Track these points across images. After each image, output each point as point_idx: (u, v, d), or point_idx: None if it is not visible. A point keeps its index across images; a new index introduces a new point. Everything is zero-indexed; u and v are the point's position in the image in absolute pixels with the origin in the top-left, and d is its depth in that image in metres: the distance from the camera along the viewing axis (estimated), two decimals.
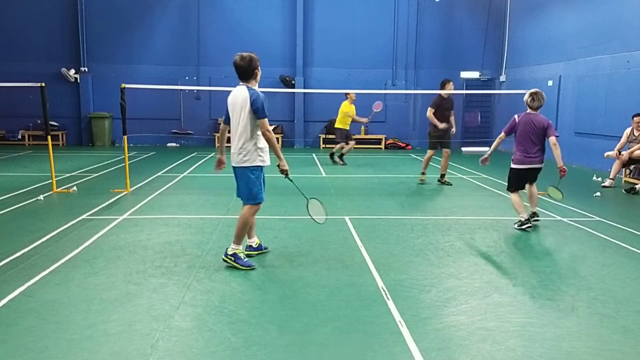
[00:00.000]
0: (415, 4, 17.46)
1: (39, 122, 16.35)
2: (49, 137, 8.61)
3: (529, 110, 6.52)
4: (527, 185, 6.76)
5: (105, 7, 16.90)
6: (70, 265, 4.91)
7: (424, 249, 5.61)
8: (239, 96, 4.80)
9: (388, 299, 4.18)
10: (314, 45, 17.52)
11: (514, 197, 6.65)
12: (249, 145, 4.86)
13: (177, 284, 4.46)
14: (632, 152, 9.61)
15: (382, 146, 17.75)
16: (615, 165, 9.80)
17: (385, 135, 17.82)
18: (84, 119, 17.16)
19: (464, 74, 17.84)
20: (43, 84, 8.48)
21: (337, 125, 12.92)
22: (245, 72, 4.79)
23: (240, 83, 4.87)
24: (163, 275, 4.66)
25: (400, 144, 17.77)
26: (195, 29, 17.20)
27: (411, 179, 10.72)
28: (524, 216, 6.48)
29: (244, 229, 4.95)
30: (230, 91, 5.05)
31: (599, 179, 10.40)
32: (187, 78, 17.23)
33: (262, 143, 4.92)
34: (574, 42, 13.41)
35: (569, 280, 4.66)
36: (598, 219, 7.11)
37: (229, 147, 5.17)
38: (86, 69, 17.02)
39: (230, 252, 4.89)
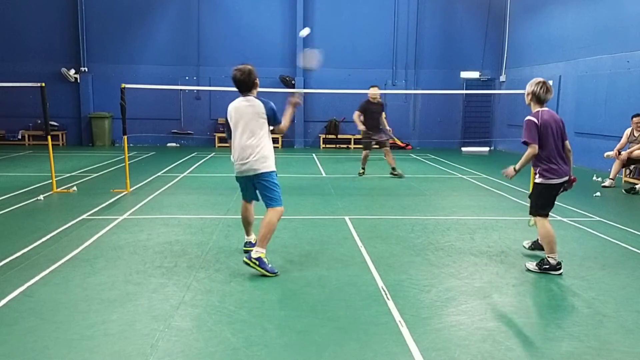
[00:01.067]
0: (415, 4, 17.46)
1: (39, 122, 16.35)
2: (49, 137, 8.61)
3: (544, 107, 4.99)
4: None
5: (105, 7, 16.90)
6: (70, 265, 4.91)
7: (424, 249, 5.61)
8: (247, 108, 5.00)
9: (388, 299, 4.18)
10: (314, 45, 17.47)
11: (548, 225, 5.00)
12: (266, 151, 4.90)
13: (177, 284, 4.46)
14: (631, 152, 9.61)
15: None
16: (615, 166, 9.80)
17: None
18: (84, 119, 17.16)
19: (464, 74, 17.85)
20: (43, 84, 8.48)
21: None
22: (246, 84, 5.09)
23: (243, 96, 5.13)
24: (163, 275, 4.67)
25: (400, 144, 17.76)
26: (195, 29, 17.20)
27: (411, 179, 10.72)
28: (556, 257, 4.91)
29: (271, 233, 4.89)
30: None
31: (599, 179, 10.40)
32: (187, 78, 17.23)
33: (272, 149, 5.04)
34: (574, 42, 13.41)
35: (569, 280, 4.66)
36: (598, 219, 7.11)
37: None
38: (86, 69, 17.02)
39: (255, 256, 4.69)
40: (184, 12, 17.18)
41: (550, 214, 5.18)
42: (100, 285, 4.42)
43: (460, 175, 11.28)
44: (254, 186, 5.01)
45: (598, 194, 8.99)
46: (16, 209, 7.33)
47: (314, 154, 15.43)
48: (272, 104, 5.01)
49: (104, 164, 12.28)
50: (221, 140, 17.13)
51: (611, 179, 9.78)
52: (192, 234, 6.08)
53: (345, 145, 17.70)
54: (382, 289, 4.40)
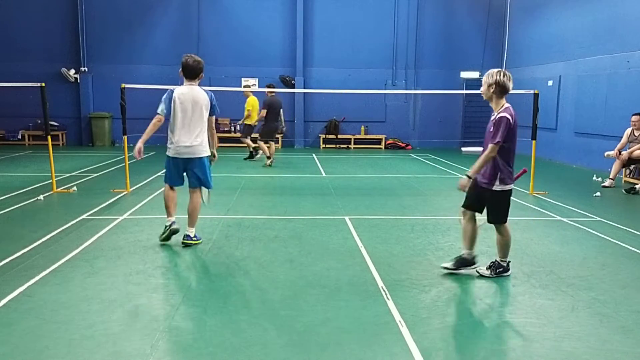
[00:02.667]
0: (415, 4, 17.45)
1: (39, 122, 16.33)
2: (49, 137, 8.61)
3: (505, 102, 4.56)
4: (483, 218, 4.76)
5: (105, 7, 16.89)
6: (70, 265, 4.91)
7: (424, 249, 5.61)
8: (198, 94, 5.53)
9: (388, 299, 4.18)
10: (314, 45, 17.52)
11: (509, 229, 4.73)
12: (206, 138, 5.65)
13: (177, 284, 4.46)
14: (632, 152, 9.61)
15: (382, 146, 17.75)
16: (615, 165, 9.80)
17: (385, 135, 17.82)
18: (84, 119, 17.15)
19: (464, 74, 17.84)
20: (43, 84, 8.48)
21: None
22: (195, 72, 5.54)
23: (191, 82, 5.56)
24: (163, 275, 4.67)
25: (400, 144, 17.76)
26: (195, 29, 17.20)
27: (411, 179, 10.72)
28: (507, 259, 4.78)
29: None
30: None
31: (599, 179, 10.39)
32: None
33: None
34: (574, 42, 13.41)
35: (569, 280, 4.66)
36: (598, 219, 7.11)
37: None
38: (86, 69, 17.02)
39: (193, 235, 5.60)
40: (184, 12, 17.18)
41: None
42: (100, 285, 4.42)
43: (460, 175, 11.26)
44: (185, 170, 5.64)
45: (598, 194, 8.99)
46: (16, 209, 7.33)
47: (314, 154, 15.43)
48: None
49: (104, 164, 12.28)
50: (221, 140, 17.08)
51: (611, 179, 9.78)
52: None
53: (345, 145, 17.69)
54: (382, 289, 4.40)
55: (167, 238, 5.61)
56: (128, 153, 9.40)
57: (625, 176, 10.37)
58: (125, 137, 8.75)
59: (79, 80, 16.98)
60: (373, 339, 3.49)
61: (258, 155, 13.16)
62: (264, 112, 12.25)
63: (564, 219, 7.08)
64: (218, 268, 4.90)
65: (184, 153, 5.56)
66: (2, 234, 6.04)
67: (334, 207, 7.78)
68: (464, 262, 4.75)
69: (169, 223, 5.62)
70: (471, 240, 4.73)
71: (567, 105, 13.72)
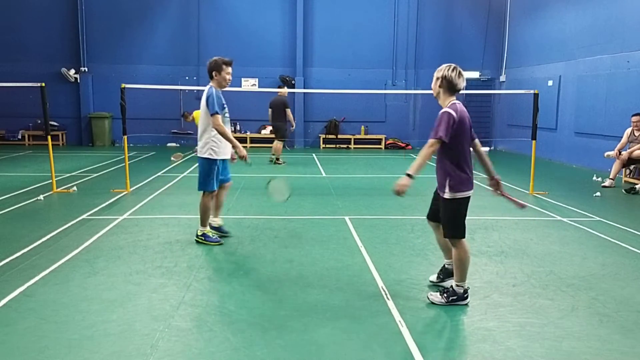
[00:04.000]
0: (415, 4, 17.45)
1: (39, 122, 16.34)
2: (49, 137, 8.61)
3: (455, 100, 4.08)
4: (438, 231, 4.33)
5: (105, 7, 16.90)
6: (70, 265, 4.91)
7: (424, 249, 5.61)
8: (204, 94, 5.70)
9: (388, 299, 4.18)
10: (314, 45, 17.52)
11: (468, 246, 4.14)
12: (205, 138, 5.80)
13: (177, 284, 4.46)
14: (632, 152, 9.61)
15: (382, 146, 17.75)
16: (615, 165, 9.80)
17: (385, 135, 17.82)
18: (84, 119, 17.16)
19: (464, 74, 17.79)
20: (43, 84, 8.48)
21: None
22: (208, 71, 5.73)
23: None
24: (163, 275, 4.67)
25: (400, 144, 17.76)
26: (195, 29, 17.20)
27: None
28: (465, 284, 4.15)
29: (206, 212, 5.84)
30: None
31: (599, 179, 10.39)
32: (187, 78, 17.22)
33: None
34: (574, 42, 13.41)
35: (569, 280, 4.66)
36: (598, 219, 7.11)
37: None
38: (86, 69, 17.02)
39: (200, 233, 5.73)
40: (184, 12, 17.18)
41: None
42: (100, 285, 4.42)
43: None
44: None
45: (598, 194, 8.99)
46: (16, 209, 7.33)
47: (314, 154, 15.43)
48: (213, 91, 5.64)
49: (104, 164, 12.28)
50: None
51: (611, 179, 9.77)
52: (192, 234, 6.08)
53: (345, 145, 17.69)
54: (382, 289, 4.40)
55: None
56: (128, 153, 9.41)
57: (625, 176, 10.37)
58: (125, 137, 8.74)
59: (79, 80, 16.98)
60: (373, 339, 3.49)
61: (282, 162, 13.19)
62: (270, 112, 12.69)
63: (564, 219, 7.08)
64: (218, 268, 4.90)
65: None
66: (2, 234, 6.04)
67: (334, 207, 7.78)
68: (448, 272, 4.46)
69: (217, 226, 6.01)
70: (448, 250, 4.33)
71: (567, 105, 13.72)
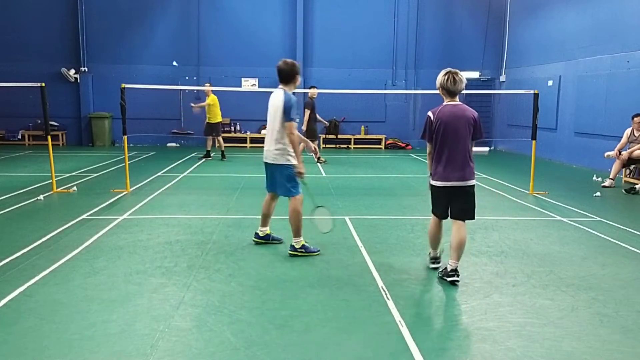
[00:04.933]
0: (415, 4, 17.45)
1: (39, 122, 16.33)
2: (49, 137, 8.61)
3: (454, 100, 4.63)
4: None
5: (105, 7, 16.89)
6: (70, 265, 4.91)
7: (424, 249, 5.60)
8: (274, 98, 5.26)
9: (388, 299, 4.18)
10: (314, 45, 17.52)
11: (432, 224, 4.83)
12: (283, 145, 5.22)
13: (177, 284, 4.46)
14: (632, 152, 9.61)
15: (382, 146, 17.75)
16: (615, 165, 9.80)
17: (385, 135, 17.82)
18: (84, 119, 17.16)
19: (464, 74, 17.72)
20: (43, 84, 8.48)
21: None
22: (286, 75, 5.21)
23: (280, 86, 5.28)
24: (163, 275, 4.67)
25: (400, 144, 17.76)
26: (195, 29, 17.20)
27: (411, 179, 10.72)
28: (435, 253, 4.94)
29: (300, 220, 5.30)
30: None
31: (599, 179, 10.39)
32: (187, 78, 17.22)
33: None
34: (574, 42, 13.41)
35: (569, 280, 4.66)
36: (598, 219, 7.11)
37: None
38: (86, 69, 17.02)
39: (298, 246, 5.26)
40: (184, 12, 17.18)
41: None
42: (100, 285, 4.42)
43: None
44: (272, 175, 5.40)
45: (598, 194, 8.99)
46: (16, 209, 7.33)
47: (314, 154, 15.39)
48: (293, 98, 5.13)
49: (104, 164, 12.28)
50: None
51: (611, 179, 9.77)
52: (192, 234, 6.08)
53: (345, 145, 17.69)
54: (382, 289, 4.40)
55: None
56: (128, 153, 9.41)
57: (625, 176, 10.37)
58: (125, 137, 8.74)
59: (79, 80, 16.98)
60: (373, 339, 3.49)
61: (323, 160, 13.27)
62: (307, 113, 12.67)
63: (564, 219, 7.08)
64: (218, 268, 4.90)
65: (265, 156, 5.39)
66: (2, 234, 6.04)
67: (334, 207, 7.78)
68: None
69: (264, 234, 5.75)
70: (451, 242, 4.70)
71: (567, 105, 13.72)
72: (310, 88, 12.65)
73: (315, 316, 3.85)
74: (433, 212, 4.76)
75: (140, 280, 4.55)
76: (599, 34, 12.42)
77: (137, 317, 3.77)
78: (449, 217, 4.66)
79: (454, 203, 4.57)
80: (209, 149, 13.61)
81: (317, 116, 13.26)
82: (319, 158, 12.98)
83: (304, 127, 12.62)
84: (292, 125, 5.03)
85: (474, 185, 4.57)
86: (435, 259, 4.94)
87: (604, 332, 3.62)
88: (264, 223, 5.71)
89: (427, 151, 4.68)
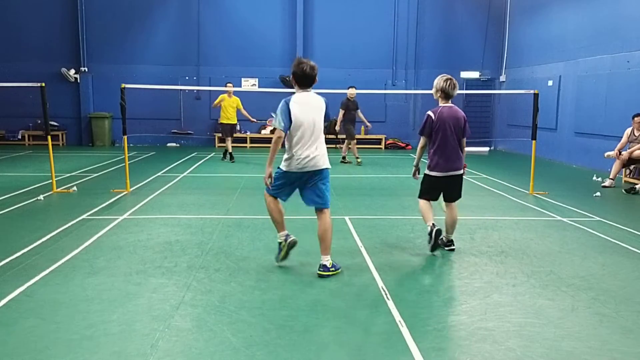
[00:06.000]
0: (415, 4, 17.45)
1: (39, 122, 16.33)
2: (49, 137, 8.61)
3: (449, 103, 5.35)
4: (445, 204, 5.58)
5: (105, 7, 16.90)
6: (70, 265, 4.91)
7: (424, 249, 5.61)
8: (318, 102, 5.17)
9: (388, 299, 4.18)
10: (314, 45, 17.51)
11: (422, 203, 5.52)
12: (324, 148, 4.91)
13: (177, 284, 4.46)
14: (632, 152, 9.61)
15: (382, 146, 17.75)
16: (615, 165, 9.80)
17: (385, 135, 17.81)
18: (84, 119, 17.16)
19: (464, 74, 17.83)
20: (43, 84, 8.48)
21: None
22: (313, 79, 5.31)
23: (304, 90, 5.21)
24: (163, 275, 4.66)
25: (400, 144, 17.76)
26: (195, 29, 17.20)
27: (411, 179, 10.67)
28: (429, 224, 5.38)
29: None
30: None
31: (599, 179, 10.39)
32: (187, 78, 17.22)
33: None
34: (574, 42, 13.41)
35: (569, 280, 4.66)
36: (598, 219, 7.11)
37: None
38: (86, 69, 17.02)
39: (330, 265, 4.73)
40: (184, 12, 17.18)
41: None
42: (100, 285, 4.42)
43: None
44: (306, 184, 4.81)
45: (598, 194, 8.99)
46: (16, 209, 7.33)
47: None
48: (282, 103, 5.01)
49: (104, 164, 12.28)
50: (221, 140, 17.11)
51: (611, 179, 9.77)
52: (192, 234, 6.08)
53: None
54: (382, 289, 4.40)
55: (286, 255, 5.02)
56: (128, 153, 9.41)
57: (625, 176, 10.37)
58: (125, 137, 8.74)
59: (79, 80, 16.98)
60: (373, 339, 3.49)
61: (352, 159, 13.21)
62: (341, 113, 12.66)
63: (564, 219, 7.08)
64: (218, 268, 4.90)
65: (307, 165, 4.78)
66: (2, 234, 6.04)
67: (334, 207, 7.73)
68: (444, 242, 5.55)
69: (284, 238, 4.98)
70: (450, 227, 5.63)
71: (567, 105, 13.72)
72: (348, 88, 12.31)
73: (315, 316, 3.85)
74: (424, 197, 5.47)
75: (140, 280, 4.55)
76: (599, 34, 12.42)
77: (137, 317, 3.77)
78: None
79: (449, 189, 5.42)
80: (230, 150, 13.21)
81: (361, 116, 13.04)
82: (344, 158, 13.07)
83: (337, 127, 12.77)
84: (276, 131, 4.72)
85: (463, 173, 5.48)
86: (439, 232, 5.29)
87: (604, 332, 3.62)
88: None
89: (421, 145, 5.42)
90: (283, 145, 4.81)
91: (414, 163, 5.64)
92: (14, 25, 16.72)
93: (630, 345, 3.43)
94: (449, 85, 5.21)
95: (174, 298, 4.14)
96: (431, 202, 5.51)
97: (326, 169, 4.81)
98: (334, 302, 4.13)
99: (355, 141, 13.01)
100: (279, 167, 4.84)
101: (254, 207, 7.78)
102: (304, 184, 4.81)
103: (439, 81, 5.26)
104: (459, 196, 5.54)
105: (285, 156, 4.79)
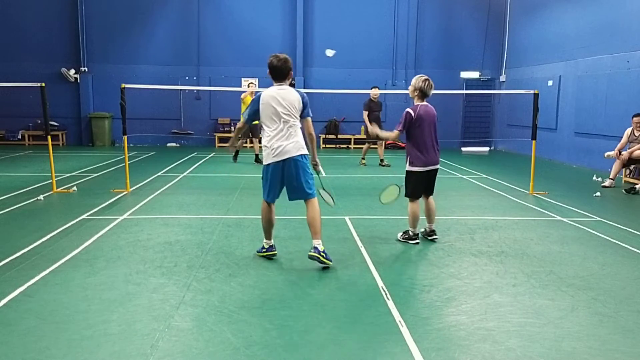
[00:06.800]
0: (415, 4, 17.46)
1: (39, 122, 16.34)
2: (49, 137, 8.61)
3: (424, 102, 5.81)
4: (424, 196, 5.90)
5: (105, 7, 16.90)
6: (70, 265, 4.91)
7: (424, 249, 5.61)
8: (290, 95, 4.94)
9: (388, 299, 4.18)
10: (314, 45, 17.52)
11: (414, 206, 5.78)
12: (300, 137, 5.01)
13: (177, 284, 4.46)
14: (632, 152, 9.61)
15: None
16: (616, 165, 9.80)
17: None
18: (84, 119, 17.16)
19: (464, 74, 17.84)
20: (43, 84, 8.48)
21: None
22: (282, 72, 4.98)
23: (282, 83, 5.02)
24: (163, 275, 4.66)
25: (400, 144, 17.74)
26: (195, 29, 17.20)
27: None
28: (415, 230, 5.81)
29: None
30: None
31: (599, 179, 10.39)
32: (187, 78, 17.23)
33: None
34: (574, 42, 13.41)
35: (569, 280, 4.66)
36: (598, 219, 7.11)
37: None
38: (86, 69, 17.02)
39: (321, 250, 4.89)
40: (184, 12, 17.18)
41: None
42: (100, 285, 4.41)
43: (460, 175, 11.28)
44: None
45: (598, 194, 8.99)
46: (16, 209, 7.33)
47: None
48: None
49: (104, 164, 12.28)
50: (221, 140, 17.14)
51: (611, 179, 9.77)
52: (192, 234, 6.08)
53: (345, 145, 17.69)
54: (382, 289, 4.40)
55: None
56: (128, 153, 9.41)
57: (625, 176, 10.37)
58: (125, 137, 8.74)
59: (79, 80, 16.99)
60: (373, 339, 3.49)
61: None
62: (364, 114, 12.32)
63: (564, 219, 7.08)
64: (218, 268, 4.90)
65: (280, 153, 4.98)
66: (2, 234, 6.04)
67: (334, 207, 7.77)
68: (427, 232, 5.97)
69: (268, 246, 5.27)
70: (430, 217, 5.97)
71: (567, 105, 13.72)
72: (372, 88, 12.04)
73: (315, 316, 3.85)
74: (414, 196, 5.73)
75: (140, 280, 4.55)
76: (599, 34, 12.42)
77: (137, 317, 3.77)
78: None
79: (429, 182, 5.78)
80: (257, 152, 12.84)
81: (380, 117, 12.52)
82: (382, 161, 12.75)
83: (369, 128, 12.63)
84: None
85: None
86: (416, 236, 5.78)
87: (604, 332, 3.62)
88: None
89: (394, 136, 5.83)
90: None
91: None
92: (14, 25, 16.73)
93: (630, 345, 3.43)
94: (427, 86, 5.61)
95: (174, 298, 4.14)
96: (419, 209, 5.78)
97: (300, 156, 4.90)
98: (334, 302, 4.13)
99: (382, 142, 12.70)
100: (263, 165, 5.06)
101: (254, 207, 7.77)
102: (285, 178, 4.97)
103: (417, 81, 5.66)
104: (433, 188, 5.91)
105: (263, 151, 4.99)
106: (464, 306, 4.06)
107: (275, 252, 5.26)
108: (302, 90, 5.04)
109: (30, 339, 3.42)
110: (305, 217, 5.05)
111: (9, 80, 10.99)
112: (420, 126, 5.63)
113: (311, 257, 4.87)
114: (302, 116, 5.00)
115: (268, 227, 5.25)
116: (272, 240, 5.30)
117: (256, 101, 4.96)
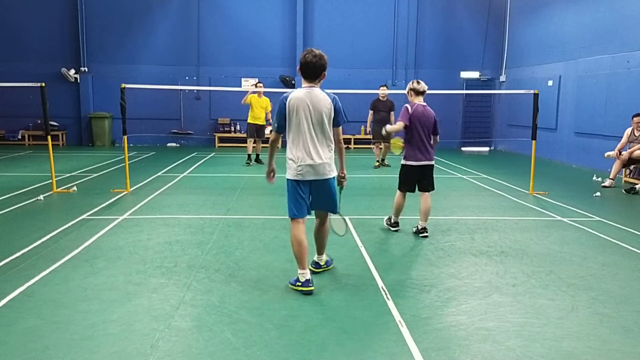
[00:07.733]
0: (415, 4, 17.45)
1: (39, 122, 16.33)
2: (49, 137, 8.60)
3: (422, 102, 6.11)
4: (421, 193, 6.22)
5: (105, 7, 16.90)
6: (70, 265, 4.91)
7: (424, 249, 5.61)
8: (321, 98, 4.27)
9: (388, 299, 4.18)
10: (314, 45, 17.43)
11: (399, 197, 6.30)
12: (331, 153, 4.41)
13: (177, 284, 4.46)
14: (632, 152, 9.61)
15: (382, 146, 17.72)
16: (616, 165, 9.80)
17: None
18: (84, 119, 17.16)
19: (464, 74, 17.84)
20: (43, 84, 8.47)
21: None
22: (316, 71, 4.25)
23: (308, 85, 4.33)
24: (163, 275, 4.66)
25: (400, 144, 17.72)
26: (195, 29, 17.20)
27: None
28: (396, 219, 6.36)
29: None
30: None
31: (599, 179, 10.39)
32: (187, 78, 17.22)
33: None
34: (574, 42, 13.41)
35: (569, 280, 4.66)
36: (598, 219, 7.11)
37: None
38: (86, 69, 17.02)
39: (323, 263, 4.82)
40: (184, 12, 17.18)
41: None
42: (100, 285, 4.41)
43: (460, 175, 11.28)
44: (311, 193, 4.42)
45: (598, 194, 8.99)
46: (16, 209, 7.33)
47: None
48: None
49: (104, 164, 12.28)
50: (221, 140, 17.14)
51: (611, 179, 9.77)
52: (192, 234, 6.08)
53: (345, 145, 17.65)
54: (382, 289, 4.40)
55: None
56: (128, 153, 9.41)
57: (625, 176, 10.37)
58: (125, 137, 8.74)
59: (79, 80, 16.98)
60: (373, 339, 3.49)
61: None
62: (370, 114, 12.17)
63: (564, 219, 7.08)
64: (218, 268, 4.90)
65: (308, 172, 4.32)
66: (2, 234, 6.04)
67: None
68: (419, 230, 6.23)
69: (304, 280, 4.29)
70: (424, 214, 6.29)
71: (567, 105, 13.71)
72: (380, 87, 11.87)
73: (315, 316, 3.85)
74: (402, 189, 6.25)
75: (140, 280, 4.55)
76: (599, 34, 12.42)
77: (137, 317, 3.77)
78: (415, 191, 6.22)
79: (423, 178, 6.14)
80: (249, 152, 12.51)
81: (392, 119, 11.81)
82: (382, 161, 12.59)
83: (369, 128, 12.77)
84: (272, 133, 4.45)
85: (434, 164, 6.21)
86: (396, 224, 6.37)
87: (604, 332, 3.62)
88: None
89: (397, 128, 6.15)
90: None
91: (389, 129, 6.49)
92: (14, 25, 16.72)
93: (630, 345, 3.43)
94: (415, 84, 6.08)
95: (174, 298, 4.14)
96: (405, 194, 6.30)
97: (331, 178, 4.37)
98: (333, 302, 4.13)
99: (388, 144, 12.22)
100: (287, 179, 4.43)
101: (254, 207, 7.79)
102: (312, 193, 4.43)
103: (408, 84, 6.21)
104: (432, 187, 6.22)
105: (287, 162, 4.36)
106: (464, 306, 4.06)
107: (312, 287, 4.24)
108: (330, 91, 4.34)
109: (30, 339, 3.42)
110: (314, 230, 4.69)
111: (9, 80, 11.00)
112: (416, 125, 6.01)
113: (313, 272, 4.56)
114: (335, 125, 4.35)
115: (300, 252, 4.35)
116: (308, 272, 4.33)
117: (282, 105, 4.27)
